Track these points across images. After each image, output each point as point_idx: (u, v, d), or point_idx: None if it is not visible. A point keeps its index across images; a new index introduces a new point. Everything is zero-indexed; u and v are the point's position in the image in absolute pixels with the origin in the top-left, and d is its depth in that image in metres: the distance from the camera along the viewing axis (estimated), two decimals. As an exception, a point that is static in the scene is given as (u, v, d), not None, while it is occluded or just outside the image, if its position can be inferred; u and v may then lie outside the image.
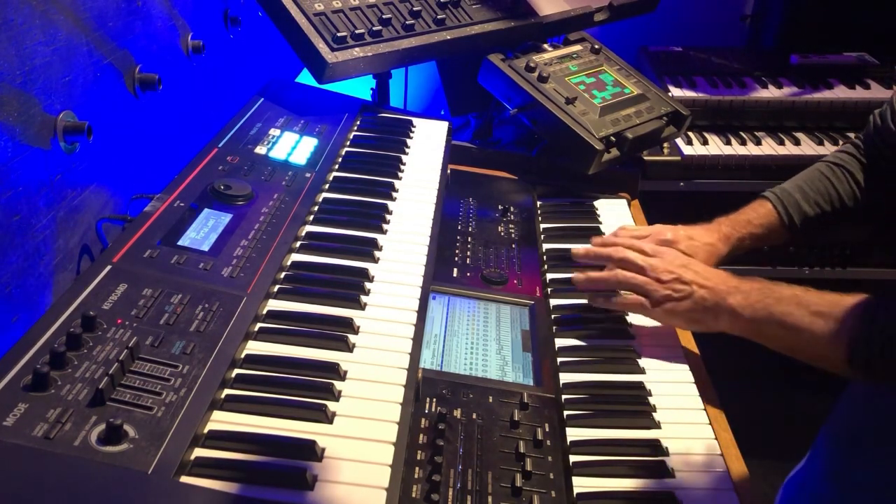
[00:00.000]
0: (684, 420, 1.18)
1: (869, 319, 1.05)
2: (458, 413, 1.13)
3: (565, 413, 1.16)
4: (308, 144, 1.53)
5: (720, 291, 1.22)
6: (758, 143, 2.31)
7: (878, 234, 2.36)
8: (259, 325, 1.08)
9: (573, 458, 1.08)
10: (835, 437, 1.23)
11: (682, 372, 1.27)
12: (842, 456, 1.21)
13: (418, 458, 1.04)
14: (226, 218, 1.24)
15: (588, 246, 1.44)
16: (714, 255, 1.44)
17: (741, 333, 1.20)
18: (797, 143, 2.31)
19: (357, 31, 1.63)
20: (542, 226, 1.67)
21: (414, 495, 0.98)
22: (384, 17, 1.69)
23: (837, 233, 2.36)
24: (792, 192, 1.48)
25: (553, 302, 1.42)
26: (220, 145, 1.44)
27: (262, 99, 1.65)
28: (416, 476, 1.01)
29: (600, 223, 1.70)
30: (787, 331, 1.13)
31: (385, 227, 1.37)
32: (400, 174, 1.55)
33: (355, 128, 1.69)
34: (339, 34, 1.60)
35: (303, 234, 1.30)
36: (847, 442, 1.20)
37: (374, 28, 1.65)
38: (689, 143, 2.29)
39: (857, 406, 1.18)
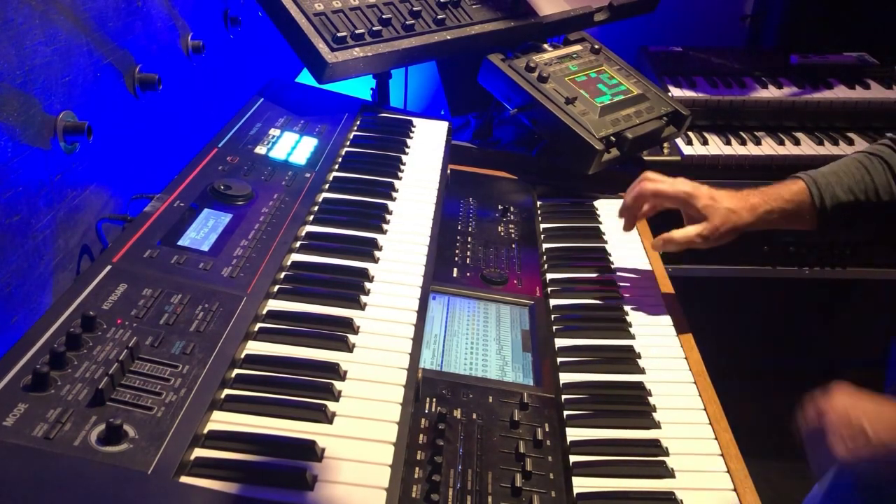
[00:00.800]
0: (684, 420, 1.18)
1: None
2: (458, 413, 1.13)
3: (565, 413, 1.16)
4: (308, 144, 1.53)
5: None
6: (758, 143, 2.31)
7: (879, 234, 2.36)
8: (259, 325, 1.08)
9: (573, 458, 1.08)
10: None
11: (682, 372, 1.28)
12: (874, 468, 1.19)
13: (418, 458, 1.04)
14: (226, 218, 1.24)
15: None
16: (732, 223, 1.40)
17: None
18: (797, 143, 2.31)
19: (357, 31, 1.63)
20: (542, 226, 1.67)
21: (414, 495, 0.98)
22: (384, 17, 1.69)
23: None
24: (827, 175, 1.43)
25: (553, 302, 1.42)
26: (220, 145, 1.44)
27: (262, 99, 1.65)
28: (416, 476, 1.01)
29: (600, 223, 1.70)
30: None
31: (385, 227, 1.37)
32: (400, 174, 1.55)
33: (355, 128, 1.69)
34: (339, 34, 1.60)
35: (303, 234, 1.30)
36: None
37: (374, 28, 1.65)
38: (689, 143, 2.28)
39: None
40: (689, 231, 1.42)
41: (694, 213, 1.44)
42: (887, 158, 1.43)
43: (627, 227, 1.53)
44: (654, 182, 1.46)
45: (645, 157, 2.17)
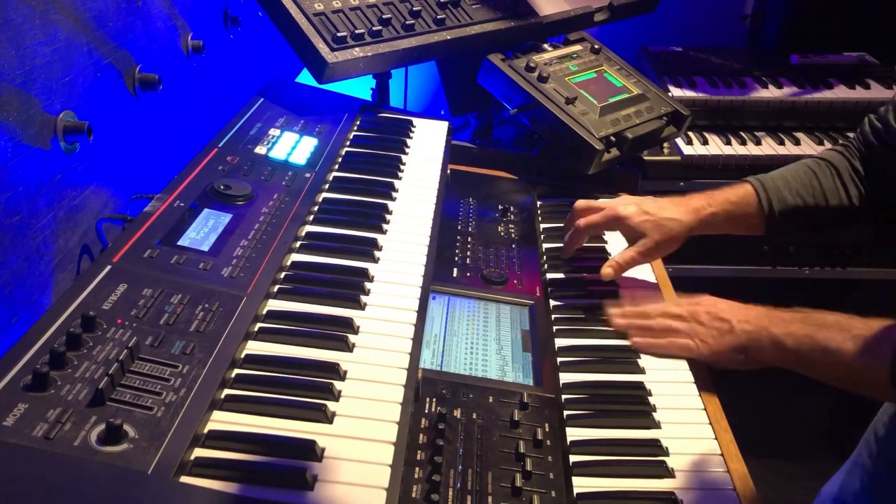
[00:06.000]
0: (684, 420, 1.18)
1: None
2: (458, 413, 1.13)
3: (565, 413, 1.16)
4: (308, 144, 1.53)
5: (761, 322, 1.18)
6: (758, 143, 2.31)
7: (877, 234, 2.36)
8: (259, 325, 1.08)
9: (573, 458, 1.08)
10: (877, 452, 1.22)
11: (682, 372, 1.27)
12: (885, 472, 1.19)
13: (418, 458, 1.04)
14: (226, 218, 1.24)
15: (626, 311, 1.35)
16: (671, 231, 1.40)
17: (786, 364, 1.16)
18: (797, 143, 2.31)
19: (357, 31, 1.63)
20: (542, 226, 1.67)
21: (414, 495, 0.98)
22: (384, 17, 1.69)
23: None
24: (775, 179, 1.44)
25: (553, 302, 1.42)
26: (220, 145, 1.44)
27: (262, 99, 1.65)
28: (416, 476, 1.01)
29: (600, 223, 1.70)
30: (830, 356, 1.09)
31: (385, 227, 1.37)
32: (400, 174, 1.55)
33: (355, 128, 1.69)
34: (339, 34, 1.60)
35: (303, 234, 1.30)
36: (891, 458, 1.18)
37: (374, 28, 1.65)
38: (689, 143, 2.29)
39: None
40: (627, 252, 1.42)
41: (631, 233, 1.44)
42: (836, 164, 1.43)
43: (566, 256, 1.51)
44: (585, 216, 1.45)
45: (645, 157, 2.18)
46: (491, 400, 1.16)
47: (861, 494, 1.24)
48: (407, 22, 1.71)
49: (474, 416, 1.13)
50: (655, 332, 1.29)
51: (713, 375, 1.29)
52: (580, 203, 1.49)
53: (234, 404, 0.94)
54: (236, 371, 0.99)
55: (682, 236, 1.42)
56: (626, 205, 1.44)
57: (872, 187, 1.42)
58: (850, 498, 1.27)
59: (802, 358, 1.13)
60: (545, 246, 1.60)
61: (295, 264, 1.23)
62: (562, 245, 1.57)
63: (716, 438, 1.15)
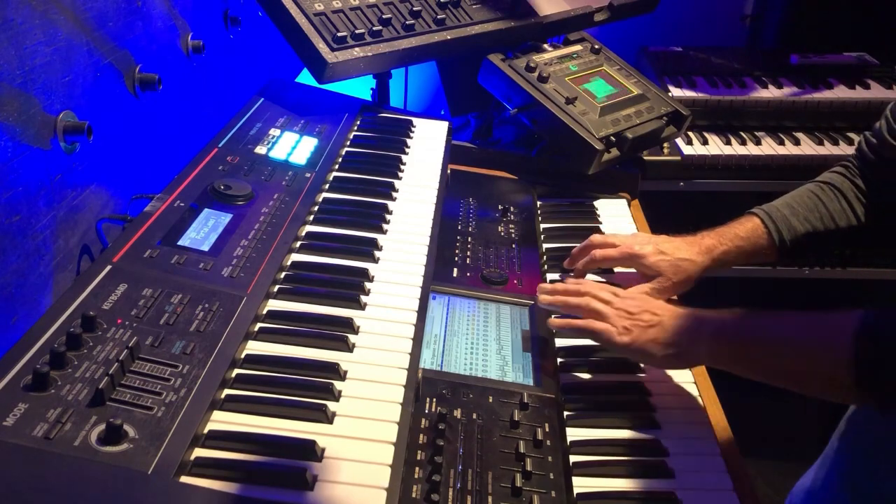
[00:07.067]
0: (684, 420, 1.18)
1: (874, 337, 0.94)
2: (458, 413, 1.13)
3: (565, 413, 1.16)
4: (308, 144, 1.53)
5: (696, 317, 1.14)
6: (758, 143, 2.31)
7: (878, 237, 2.36)
8: (259, 325, 1.08)
9: (573, 458, 1.08)
10: (852, 446, 1.22)
11: (682, 372, 1.27)
12: (859, 465, 1.19)
13: (418, 458, 1.04)
14: (226, 218, 1.24)
15: (556, 286, 1.35)
16: (686, 272, 1.40)
17: (722, 363, 1.11)
18: (797, 143, 2.31)
19: (357, 31, 1.63)
20: (542, 226, 1.67)
21: (414, 495, 0.98)
22: (384, 17, 1.69)
23: (831, 251, 2.33)
24: (780, 208, 1.44)
25: (553, 302, 1.42)
26: (220, 145, 1.44)
27: (262, 99, 1.65)
28: (416, 476, 1.01)
29: (600, 223, 1.70)
30: (778, 350, 1.05)
31: (385, 227, 1.37)
32: (400, 174, 1.55)
33: (355, 128, 1.69)
34: (339, 34, 1.60)
35: (303, 234, 1.31)
36: (865, 451, 1.18)
37: (374, 28, 1.65)
38: (689, 143, 2.29)
39: (877, 415, 1.16)
40: (643, 288, 1.41)
41: (646, 270, 1.44)
42: (838, 185, 1.44)
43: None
44: (602, 249, 1.45)
45: (645, 157, 2.18)
46: (491, 400, 1.16)
47: (832, 483, 1.24)
48: (407, 22, 1.71)
49: (474, 416, 1.13)
50: (579, 309, 1.26)
51: (713, 375, 1.29)
52: (596, 237, 1.48)
53: (234, 404, 0.94)
54: (236, 371, 0.99)
55: (696, 276, 1.42)
56: (643, 244, 1.44)
57: (875, 201, 1.42)
58: (821, 489, 1.26)
59: (744, 353, 1.09)
60: (545, 246, 1.60)
61: (295, 264, 1.23)
62: (562, 245, 1.58)
63: (716, 438, 1.15)
